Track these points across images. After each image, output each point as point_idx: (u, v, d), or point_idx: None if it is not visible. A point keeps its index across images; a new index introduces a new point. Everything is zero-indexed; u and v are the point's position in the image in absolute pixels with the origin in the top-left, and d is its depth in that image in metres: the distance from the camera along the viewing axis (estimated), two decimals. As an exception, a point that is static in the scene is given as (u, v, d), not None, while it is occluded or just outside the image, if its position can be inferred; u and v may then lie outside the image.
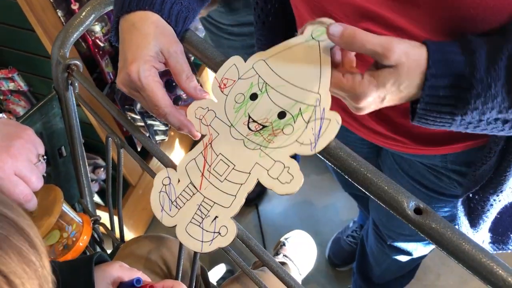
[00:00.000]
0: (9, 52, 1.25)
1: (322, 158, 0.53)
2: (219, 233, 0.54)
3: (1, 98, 1.38)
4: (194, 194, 0.57)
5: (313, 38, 0.54)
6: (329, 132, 0.51)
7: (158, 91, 0.56)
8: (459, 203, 0.74)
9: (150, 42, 0.56)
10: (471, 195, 0.70)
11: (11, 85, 1.33)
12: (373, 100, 0.49)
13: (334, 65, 0.53)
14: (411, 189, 0.87)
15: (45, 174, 0.88)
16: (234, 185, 0.55)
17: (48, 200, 0.79)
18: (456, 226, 0.78)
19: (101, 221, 0.87)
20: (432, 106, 0.48)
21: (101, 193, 1.57)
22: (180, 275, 0.69)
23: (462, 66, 0.46)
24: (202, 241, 0.55)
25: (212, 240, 0.54)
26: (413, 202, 0.47)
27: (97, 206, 1.54)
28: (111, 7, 0.73)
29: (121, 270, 0.59)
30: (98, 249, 0.96)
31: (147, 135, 1.58)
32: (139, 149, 1.57)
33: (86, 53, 1.45)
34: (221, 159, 0.57)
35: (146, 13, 0.58)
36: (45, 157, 0.71)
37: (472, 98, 0.47)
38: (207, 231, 0.55)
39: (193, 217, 0.56)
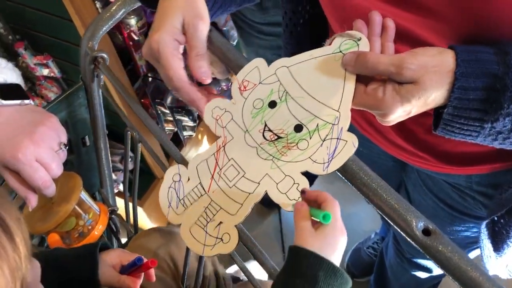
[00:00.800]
0: (46, 39, 1.29)
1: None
2: (222, 240, 0.54)
3: (35, 83, 1.43)
4: (202, 195, 0.57)
5: (340, 51, 0.52)
6: (344, 153, 0.50)
7: (173, 63, 0.55)
8: (483, 226, 0.71)
9: (176, 13, 0.56)
10: (496, 218, 0.67)
11: (45, 71, 1.37)
12: (399, 114, 0.48)
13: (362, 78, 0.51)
14: (434, 207, 0.84)
15: (67, 162, 0.91)
16: (242, 193, 0.54)
17: (68, 187, 0.80)
18: (479, 249, 0.75)
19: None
20: (461, 111, 0.45)
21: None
22: (186, 273, 0.69)
23: (494, 65, 0.43)
24: (205, 245, 0.54)
25: (214, 245, 0.54)
26: (422, 222, 0.45)
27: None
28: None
29: (123, 255, 0.60)
30: (114, 239, 0.98)
31: (175, 130, 1.60)
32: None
33: (121, 45, 1.47)
34: (232, 164, 0.56)
35: None
36: (66, 145, 0.72)
37: (506, 101, 0.43)
38: (210, 235, 0.55)
39: (198, 219, 0.56)
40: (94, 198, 0.99)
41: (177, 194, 0.58)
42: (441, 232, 0.44)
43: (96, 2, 1.22)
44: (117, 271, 0.57)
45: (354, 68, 0.49)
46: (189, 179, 0.58)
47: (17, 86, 0.73)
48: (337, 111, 0.51)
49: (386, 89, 0.47)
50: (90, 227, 0.84)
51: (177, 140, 1.65)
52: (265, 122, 0.55)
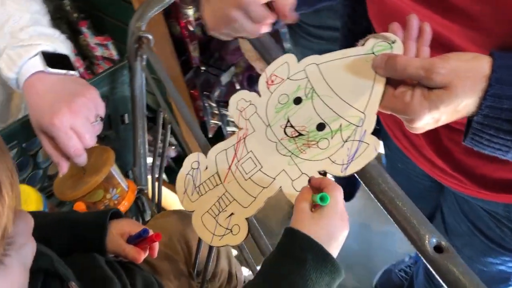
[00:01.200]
0: (108, 21, 1.34)
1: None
2: (231, 231, 0.53)
3: (94, 62, 1.49)
4: (217, 185, 0.56)
5: (373, 53, 0.50)
6: (364, 157, 0.48)
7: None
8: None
9: None
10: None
11: (105, 52, 1.43)
12: (427, 122, 0.45)
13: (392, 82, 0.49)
14: (469, 234, 0.79)
15: (105, 137, 0.94)
16: (257, 187, 0.53)
17: (101, 160, 0.83)
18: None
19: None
20: (491, 120, 0.42)
21: (168, 170, 1.63)
22: (198, 261, 0.69)
23: None
24: (214, 234, 0.54)
25: (223, 235, 0.53)
26: (435, 238, 0.42)
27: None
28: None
29: (132, 225, 0.61)
30: (140, 218, 1.00)
31: (220, 124, 1.62)
32: (210, 135, 1.60)
33: (178, 35, 1.51)
34: (250, 157, 0.55)
35: None
36: (102, 118, 0.74)
37: None
38: (220, 225, 0.54)
39: (210, 208, 0.55)
40: (127, 176, 1.02)
41: (193, 181, 0.58)
42: (455, 251, 0.41)
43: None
44: (124, 240, 0.58)
45: (384, 71, 0.48)
46: (207, 168, 0.58)
47: (65, 57, 0.76)
48: (363, 112, 0.49)
49: (414, 94, 0.44)
50: (116, 202, 0.86)
51: (221, 135, 1.67)
52: (288, 118, 0.54)
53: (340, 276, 0.43)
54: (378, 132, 0.86)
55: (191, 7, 1.35)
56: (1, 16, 0.73)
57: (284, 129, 0.54)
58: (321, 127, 0.52)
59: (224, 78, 1.60)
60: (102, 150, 0.86)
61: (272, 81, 0.57)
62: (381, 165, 0.49)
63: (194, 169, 0.59)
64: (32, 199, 0.75)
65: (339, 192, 0.46)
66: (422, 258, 0.43)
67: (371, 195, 0.48)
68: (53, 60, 0.74)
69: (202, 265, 0.71)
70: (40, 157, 0.88)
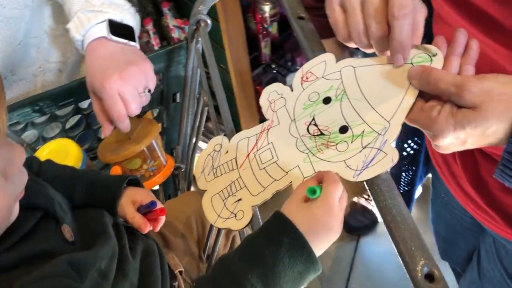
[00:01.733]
0: (189, 6, 1.39)
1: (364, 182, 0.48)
2: (235, 216, 0.53)
3: (170, 43, 1.56)
4: (233, 169, 0.57)
5: (412, 63, 0.49)
6: (379, 166, 0.46)
7: None
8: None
9: None
10: None
11: (181, 35, 1.49)
12: (451, 141, 0.43)
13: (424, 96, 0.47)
14: (501, 281, 0.73)
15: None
16: (269, 178, 0.53)
17: (145, 131, 0.86)
18: None
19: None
20: None
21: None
22: (208, 244, 0.70)
23: None
24: (219, 216, 0.54)
25: (227, 218, 0.54)
26: (429, 267, 0.39)
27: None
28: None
29: (145, 195, 0.62)
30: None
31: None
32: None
33: (253, 32, 1.53)
34: (269, 148, 0.55)
35: None
36: (150, 91, 0.77)
37: None
38: (227, 208, 0.54)
39: (222, 190, 0.56)
40: (171, 153, 1.05)
41: (212, 163, 0.59)
42: (447, 284, 0.38)
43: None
44: (135, 208, 0.60)
45: (418, 82, 0.46)
46: (227, 152, 0.58)
47: (130, 28, 0.80)
48: (388, 121, 0.48)
49: (442, 110, 0.42)
50: (151, 174, 0.89)
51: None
52: (313, 116, 0.53)
53: (316, 269, 0.42)
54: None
55: (268, 3, 1.37)
56: None
57: (308, 126, 0.53)
58: (344, 129, 0.51)
59: (290, 79, 1.60)
60: (149, 122, 0.89)
61: (307, 78, 0.56)
62: (390, 180, 0.46)
63: (216, 151, 0.60)
64: (72, 154, 0.79)
65: (334, 189, 0.44)
66: (411, 283, 0.40)
67: (378, 211, 0.46)
68: (118, 29, 0.78)
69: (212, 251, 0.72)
70: (93, 118, 0.94)
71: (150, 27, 1.53)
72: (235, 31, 1.44)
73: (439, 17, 0.60)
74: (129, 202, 0.60)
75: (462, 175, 0.61)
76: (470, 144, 0.43)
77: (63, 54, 0.95)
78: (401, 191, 1.17)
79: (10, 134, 0.83)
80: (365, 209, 1.86)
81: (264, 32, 1.49)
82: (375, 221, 1.82)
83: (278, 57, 1.66)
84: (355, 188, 1.80)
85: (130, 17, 0.81)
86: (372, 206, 1.83)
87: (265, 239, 0.41)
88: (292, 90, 0.57)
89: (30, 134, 0.92)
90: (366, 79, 0.51)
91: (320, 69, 0.56)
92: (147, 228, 0.58)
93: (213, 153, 0.60)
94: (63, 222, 0.48)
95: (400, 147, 1.03)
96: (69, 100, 0.86)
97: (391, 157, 0.46)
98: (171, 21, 1.51)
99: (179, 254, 0.70)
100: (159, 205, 0.60)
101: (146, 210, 0.59)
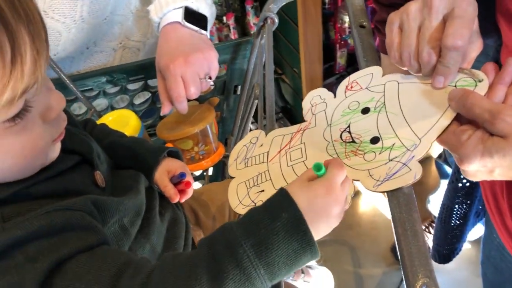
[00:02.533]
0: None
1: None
2: (255, 205, 0.55)
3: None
4: (262, 162, 0.58)
5: (455, 85, 0.48)
6: (401, 180, 0.46)
7: None
8: None
9: None
10: None
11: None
12: (477, 168, 0.42)
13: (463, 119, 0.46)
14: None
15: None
16: (293, 175, 0.54)
17: (202, 116, 0.91)
18: None
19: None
20: None
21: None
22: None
23: None
24: (240, 202, 0.56)
25: (247, 206, 0.56)
26: (428, 286, 0.39)
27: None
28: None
29: (180, 168, 0.65)
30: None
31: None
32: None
33: (332, 41, 1.54)
34: (300, 148, 0.56)
35: None
36: (211, 78, 0.81)
37: None
38: (249, 196, 0.56)
39: (248, 179, 0.58)
40: (225, 143, 1.09)
41: (246, 153, 0.61)
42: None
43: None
44: (168, 178, 0.64)
45: (456, 104, 0.45)
46: (262, 145, 0.61)
47: (203, 17, 0.85)
48: (419, 139, 0.48)
49: (473, 135, 0.42)
50: (201, 157, 0.93)
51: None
52: (349, 124, 0.54)
53: (313, 252, 0.40)
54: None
55: (347, 13, 1.37)
56: None
57: (342, 132, 0.54)
58: (375, 140, 0.51)
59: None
60: (207, 108, 0.94)
61: (352, 87, 0.57)
62: (411, 195, 0.46)
63: (252, 143, 0.62)
64: (131, 125, 0.86)
65: (338, 171, 0.44)
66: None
67: (391, 221, 0.46)
68: (192, 16, 0.83)
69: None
70: (158, 97, 1.00)
71: (231, 22, 1.59)
72: (312, 38, 1.46)
73: (505, 47, 0.58)
74: (164, 172, 0.63)
75: (507, 213, 0.58)
76: (498, 175, 0.42)
77: (143, 35, 1.02)
78: (452, 224, 1.11)
79: (83, 98, 0.91)
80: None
81: (342, 42, 1.49)
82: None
83: (353, 70, 1.65)
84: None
85: (205, 7, 0.86)
86: (427, 238, 1.75)
87: (264, 211, 0.41)
88: (335, 97, 0.58)
89: (101, 103, 1.01)
90: (407, 95, 0.52)
91: (366, 81, 0.57)
92: (176, 198, 0.61)
93: (249, 144, 0.62)
94: (97, 169, 0.53)
95: (456, 176, 0.98)
96: (140, 76, 0.92)
97: (414, 173, 0.45)
98: (252, 18, 1.56)
99: (207, 234, 0.73)
100: (188, 178, 0.63)
101: (177, 181, 0.63)
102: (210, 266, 0.39)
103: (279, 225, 0.40)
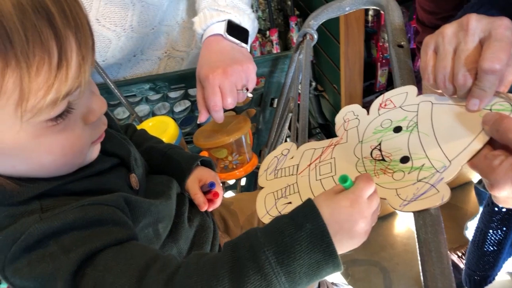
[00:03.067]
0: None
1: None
2: None
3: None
4: (292, 174, 0.59)
5: (490, 109, 0.48)
6: (428, 201, 0.46)
7: None
8: None
9: None
10: None
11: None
12: (508, 194, 0.42)
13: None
14: None
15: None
16: (321, 189, 0.55)
17: (238, 126, 0.93)
18: None
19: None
20: None
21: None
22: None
23: None
24: (267, 212, 0.58)
25: (273, 217, 0.56)
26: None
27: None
28: (368, 6, 0.78)
29: (212, 177, 0.66)
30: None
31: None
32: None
33: (374, 59, 1.54)
34: (330, 162, 0.57)
35: None
36: (248, 90, 0.83)
37: None
38: (276, 207, 0.57)
39: (276, 190, 0.59)
40: (259, 154, 1.11)
41: (276, 164, 0.62)
42: None
43: None
44: (199, 187, 0.66)
45: (489, 128, 0.45)
46: (292, 157, 0.62)
47: (245, 30, 0.88)
48: (449, 161, 0.47)
49: (505, 160, 0.42)
50: (234, 166, 0.95)
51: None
52: (380, 141, 0.54)
53: (336, 265, 0.40)
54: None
55: (389, 32, 1.36)
56: None
57: (372, 150, 0.54)
58: (405, 160, 0.51)
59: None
60: (243, 119, 0.96)
61: (385, 105, 0.58)
62: (439, 217, 0.45)
63: (283, 155, 0.63)
64: (169, 131, 0.89)
65: (365, 184, 0.44)
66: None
67: (416, 242, 0.45)
68: (234, 30, 0.86)
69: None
70: (197, 106, 1.03)
71: (274, 37, 1.61)
72: (353, 55, 1.46)
73: None
74: (196, 180, 0.66)
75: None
76: None
77: (188, 45, 1.06)
78: (486, 249, 1.07)
79: (126, 104, 0.96)
80: (455, 266, 1.72)
81: (383, 61, 1.48)
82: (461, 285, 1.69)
83: (393, 88, 1.63)
84: (452, 242, 1.68)
85: (248, 22, 0.88)
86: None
87: (289, 220, 0.42)
88: (368, 114, 0.59)
89: (144, 109, 1.05)
90: (440, 116, 0.51)
91: (400, 99, 0.57)
92: (204, 207, 0.63)
93: (279, 156, 0.63)
94: (133, 172, 0.56)
95: (491, 199, 0.95)
96: (181, 85, 0.96)
97: (442, 196, 0.45)
98: (295, 34, 1.58)
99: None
100: (218, 188, 0.65)
101: (206, 189, 0.65)
102: (232, 268, 0.40)
103: (303, 235, 0.40)
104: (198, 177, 0.66)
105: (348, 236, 0.42)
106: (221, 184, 0.68)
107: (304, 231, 0.40)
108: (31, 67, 0.38)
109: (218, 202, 0.65)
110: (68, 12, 0.40)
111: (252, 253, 0.40)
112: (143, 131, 0.75)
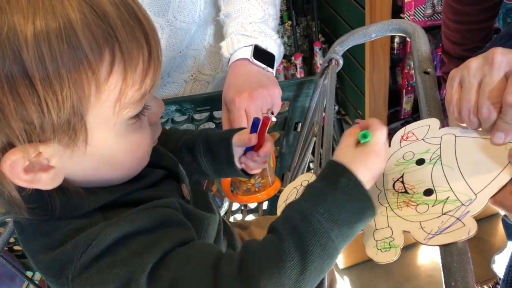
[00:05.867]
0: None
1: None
2: None
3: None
4: None
5: None
6: (454, 235, 0.45)
7: None
8: None
9: None
10: None
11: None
12: None
13: None
14: None
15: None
16: None
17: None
18: None
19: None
20: None
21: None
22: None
23: None
24: None
25: None
26: None
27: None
28: (394, 33, 0.78)
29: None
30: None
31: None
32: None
33: (399, 86, 1.53)
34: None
35: None
36: (273, 113, 0.84)
37: None
38: None
39: None
40: (282, 178, 1.11)
41: (296, 195, 0.62)
42: None
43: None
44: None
45: None
46: None
47: (271, 55, 0.89)
48: (475, 194, 0.46)
49: None
50: (257, 189, 0.95)
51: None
52: (403, 174, 0.54)
53: (371, 210, 0.45)
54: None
55: (415, 59, 1.36)
56: (243, 8, 0.90)
57: (394, 182, 0.54)
58: (428, 192, 0.50)
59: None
60: (267, 142, 0.96)
61: (407, 137, 0.57)
62: (465, 248, 0.44)
63: (302, 186, 0.63)
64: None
65: (380, 132, 0.48)
66: None
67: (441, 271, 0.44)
68: (261, 54, 0.87)
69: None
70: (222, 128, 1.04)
71: (298, 61, 1.63)
72: (378, 83, 1.46)
73: None
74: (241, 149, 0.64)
75: None
76: None
77: (214, 69, 1.08)
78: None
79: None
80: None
81: (409, 88, 1.48)
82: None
83: (418, 116, 1.62)
84: (478, 275, 1.63)
85: (274, 47, 0.90)
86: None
87: (324, 182, 0.46)
88: (389, 146, 0.58)
89: (169, 130, 1.07)
90: (465, 149, 0.51)
91: (423, 132, 0.57)
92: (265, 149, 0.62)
93: (299, 187, 0.63)
94: (183, 182, 0.57)
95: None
96: (206, 107, 0.97)
97: (468, 229, 0.44)
98: (319, 59, 1.59)
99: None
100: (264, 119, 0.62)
101: (254, 129, 0.62)
102: (294, 239, 0.42)
103: (340, 189, 0.44)
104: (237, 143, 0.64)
105: (376, 174, 0.48)
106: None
107: (340, 186, 0.45)
108: (132, 61, 0.40)
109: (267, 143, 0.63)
110: (146, 15, 0.43)
111: (304, 220, 0.43)
112: (172, 128, 0.75)
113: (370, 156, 0.47)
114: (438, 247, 0.46)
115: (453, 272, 0.42)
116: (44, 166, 0.42)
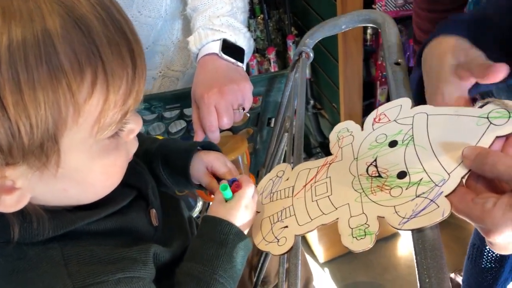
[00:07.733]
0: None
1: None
2: (278, 241, 0.54)
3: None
4: (287, 197, 0.57)
5: (487, 117, 0.45)
6: (428, 218, 0.43)
7: None
8: None
9: None
10: None
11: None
12: (507, 240, 0.39)
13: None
14: None
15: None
16: (317, 211, 0.53)
17: (234, 146, 0.91)
18: None
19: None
20: None
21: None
22: (260, 266, 0.71)
23: None
24: (263, 238, 0.55)
25: (270, 242, 0.54)
26: None
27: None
28: (364, 24, 0.76)
29: (217, 159, 0.63)
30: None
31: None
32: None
33: (373, 78, 1.53)
34: (326, 182, 0.55)
35: None
36: (244, 109, 0.82)
37: None
38: (272, 232, 0.55)
39: (272, 215, 0.57)
40: (257, 175, 1.09)
41: (272, 187, 0.60)
42: None
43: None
44: (207, 172, 0.62)
45: (472, 163, 0.42)
46: (288, 179, 0.59)
47: (241, 50, 0.87)
48: (448, 174, 0.45)
49: (499, 201, 0.38)
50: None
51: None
52: (376, 157, 0.52)
53: (249, 248, 0.54)
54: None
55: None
56: (210, 2, 0.88)
57: (368, 166, 0.52)
58: (402, 175, 0.48)
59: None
60: (240, 139, 0.94)
61: (380, 120, 0.56)
62: (438, 240, 0.43)
63: (278, 177, 0.61)
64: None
65: (246, 189, 0.56)
66: None
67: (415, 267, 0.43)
68: (230, 49, 0.85)
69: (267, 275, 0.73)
70: (192, 125, 1.01)
71: (272, 56, 1.61)
72: (352, 74, 1.45)
73: None
74: (202, 166, 0.62)
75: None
76: None
77: (183, 65, 1.05)
78: (483, 266, 1.03)
79: (121, 123, 0.94)
80: (459, 288, 1.68)
81: (383, 80, 1.47)
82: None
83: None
84: (455, 264, 1.64)
85: (243, 40, 0.87)
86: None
87: (213, 244, 0.52)
88: (362, 129, 0.57)
89: (139, 129, 1.04)
90: (436, 127, 0.49)
91: (394, 113, 0.55)
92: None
93: (275, 178, 0.61)
94: (152, 206, 0.54)
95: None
96: (176, 104, 0.94)
97: (442, 210, 0.43)
98: (293, 53, 1.57)
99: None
100: (241, 179, 0.60)
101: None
102: None
103: (230, 246, 0.52)
104: (205, 163, 0.63)
105: (248, 224, 0.56)
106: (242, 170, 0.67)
107: (230, 244, 0.52)
108: (115, 81, 0.38)
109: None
110: (133, 30, 0.41)
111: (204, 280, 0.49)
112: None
113: (237, 209, 0.54)
114: (411, 240, 0.44)
115: (427, 268, 0.41)
116: (7, 188, 0.39)
